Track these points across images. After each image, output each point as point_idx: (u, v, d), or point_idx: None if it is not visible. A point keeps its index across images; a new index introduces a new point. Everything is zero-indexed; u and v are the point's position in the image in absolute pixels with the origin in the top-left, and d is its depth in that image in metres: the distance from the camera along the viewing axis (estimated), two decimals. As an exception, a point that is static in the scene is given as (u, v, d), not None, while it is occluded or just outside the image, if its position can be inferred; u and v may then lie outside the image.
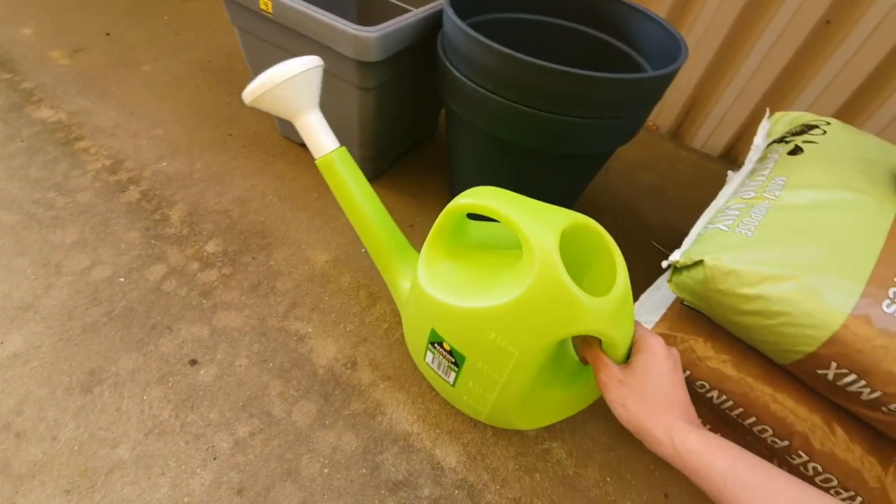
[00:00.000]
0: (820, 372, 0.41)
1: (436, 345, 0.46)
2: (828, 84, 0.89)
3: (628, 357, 0.40)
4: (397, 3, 0.80)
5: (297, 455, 0.51)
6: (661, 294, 0.54)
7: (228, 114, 0.90)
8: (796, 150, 0.55)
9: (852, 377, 0.39)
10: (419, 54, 0.66)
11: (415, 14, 0.63)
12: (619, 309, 0.39)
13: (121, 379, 0.55)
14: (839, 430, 0.43)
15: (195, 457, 0.50)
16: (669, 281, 0.47)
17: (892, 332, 0.38)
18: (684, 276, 0.45)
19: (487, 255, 0.45)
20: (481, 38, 0.52)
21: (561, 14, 0.73)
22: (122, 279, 0.63)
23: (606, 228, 0.41)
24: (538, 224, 0.38)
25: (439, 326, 0.44)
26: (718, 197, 0.54)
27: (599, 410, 0.60)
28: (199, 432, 0.51)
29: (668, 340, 0.49)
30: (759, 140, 0.64)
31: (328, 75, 0.65)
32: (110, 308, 0.60)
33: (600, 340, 0.40)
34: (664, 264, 0.47)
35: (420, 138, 0.89)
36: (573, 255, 0.42)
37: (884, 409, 0.39)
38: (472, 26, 0.69)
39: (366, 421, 0.54)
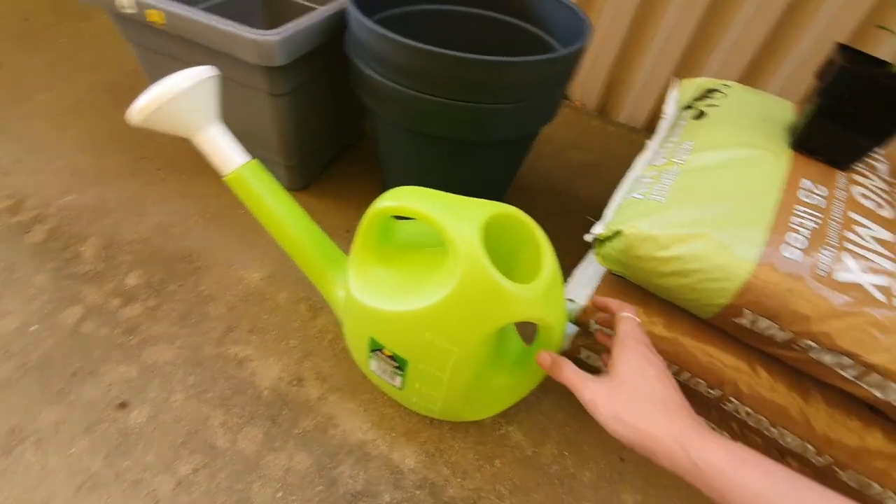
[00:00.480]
0: (737, 321, 0.43)
1: (377, 352, 0.45)
2: (730, 50, 0.94)
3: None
4: (305, 3, 0.77)
5: (247, 484, 0.49)
6: (593, 267, 0.55)
7: (140, 136, 0.85)
8: (700, 115, 0.58)
9: (766, 322, 0.41)
10: (334, 53, 0.64)
11: (320, 13, 0.61)
12: (549, 293, 0.39)
13: (43, 435, 0.50)
14: (763, 372, 0.46)
15: (135, 505, 0.46)
16: (596, 254, 0.49)
17: (793, 274, 0.40)
18: (607, 248, 0.47)
19: (417, 254, 0.45)
20: (386, 32, 0.51)
21: (471, 2, 0.73)
22: (33, 327, 0.58)
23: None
24: (459, 219, 0.38)
25: (377, 333, 0.44)
26: (636, 167, 0.56)
27: (551, 388, 0.61)
28: (137, 478, 0.48)
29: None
30: (670, 108, 0.66)
31: (236, 84, 0.62)
32: (24, 360, 0.55)
33: (566, 361, 0.38)
34: (587, 238, 0.48)
35: (349, 140, 0.87)
36: (500, 246, 0.42)
37: (795, 347, 0.41)
38: (382, 21, 0.68)
39: (318, 437, 0.53)
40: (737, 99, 0.60)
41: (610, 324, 0.41)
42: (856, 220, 0.44)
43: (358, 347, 0.48)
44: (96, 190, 0.75)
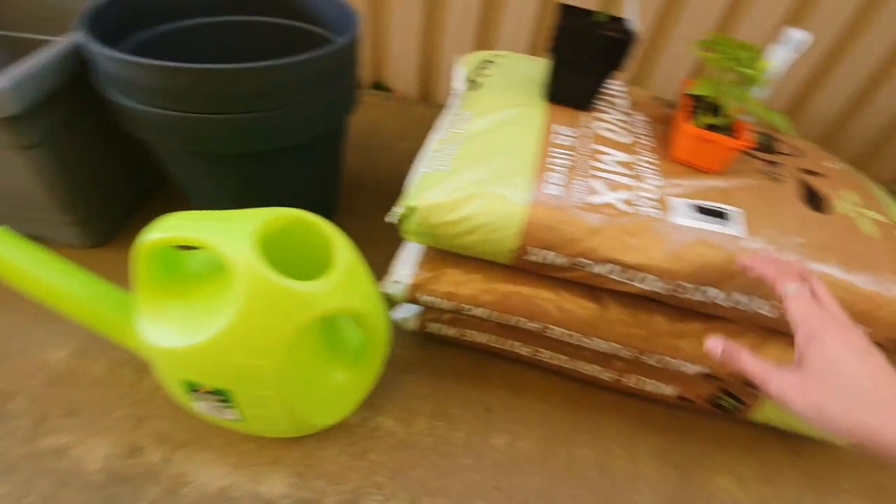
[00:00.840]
0: (529, 258, 0.48)
1: (196, 392, 0.42)
2: (517, 23, 1.03)
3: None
4: (44, 37, 0.68)
5: (90, 583, 0.43)
6: (413, 246, 0.58)
7: None
8: (476, 86, 0.63)
9: (549, 253, 0.47)
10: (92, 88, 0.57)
11: (55, 49, 0.54)
12: (348, 283, 0.40)
13: None
14: (566, 296, 0.52)
15: None
16: (401, 233, 0.51)
17: (557, 207, 0.46)
18: (408, 224, 0.49)
19: (209, 281, 0.43)
20: (130, 57, 0.48)
21: (241, 10, 0.70)
22: None
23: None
24: (229, 234, 0.37)
25: (186, 373, 0.41)
26: (428, 144, 0.59)
27: (413, 368, 0.63)
28: None
29: (426, 280, 0.53)
30: (457, 84, 0.71)
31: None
32: None
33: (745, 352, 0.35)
34: (389, 219, 0.50)
35: (156, 180, 0.79)
36: (293, 251, 0.42)
37: (575, 267, 0.48)
38: (144, 43, 0.63)
39: (169, 501, 0.48)
40: (507, 66, 0.67)
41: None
42: (600, 150, 0.52)
43: (177, 393, 0.44)
44: None
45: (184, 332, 0.39)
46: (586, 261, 0.46)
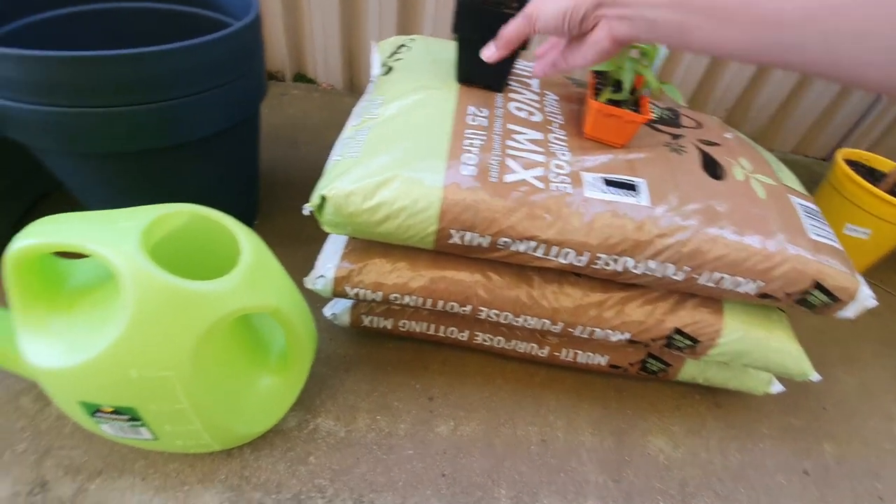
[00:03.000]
0: (452, 241, 0.48)
1: (98, 413, 0.39)
2: (440, 7, 1.02)
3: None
4: None
5: None
6: (337, 237, 0.56)
7: None
8: (389, 70, 0.62)
9: (469, 234, 0.47)
10: None
11: None
12: (254, 279, 0.38)
13: None
14: (493, 276, 0.53)
15: None
16: (320, 224, 0.49)
17: (473, 187, 0.46)
18: (325, 216, 0.47)
19: (100, 290, 0.39)
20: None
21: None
22: None
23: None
24: (111, 236, 0.34)
25: (82, 394, 0.37)
26: (343, 132, 0.57)
27: (350, 365, 0.62)
28: None
29: (352, 272, 0.52)
30: (374, 70, 0.70)
31: None
32: None
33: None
34: (304, 212, 0.48)
35: (46, 188, 0.72)
36: (193, 250, 0.39)
37: (498, 246, 0.48)
38: (13, 34, 0.56)
39: (85, 536, 0.44)
40: (419, 49, 0.66)
41: None
42: (513, 130, 0.53)
43: (79, 417, 0.40)
44: None
45: (71, 348, 0.35)
46: (507, 240, 0.47)
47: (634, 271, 0.48)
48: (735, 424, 0.65)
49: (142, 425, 0.40)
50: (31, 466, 0.48)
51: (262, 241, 0.42)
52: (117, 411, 0.38)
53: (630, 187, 0.49)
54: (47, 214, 0.39)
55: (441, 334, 0.61)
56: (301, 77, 1.15)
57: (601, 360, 0.61)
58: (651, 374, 0.62)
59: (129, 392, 0.36)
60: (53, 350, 0.36)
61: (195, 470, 0.50)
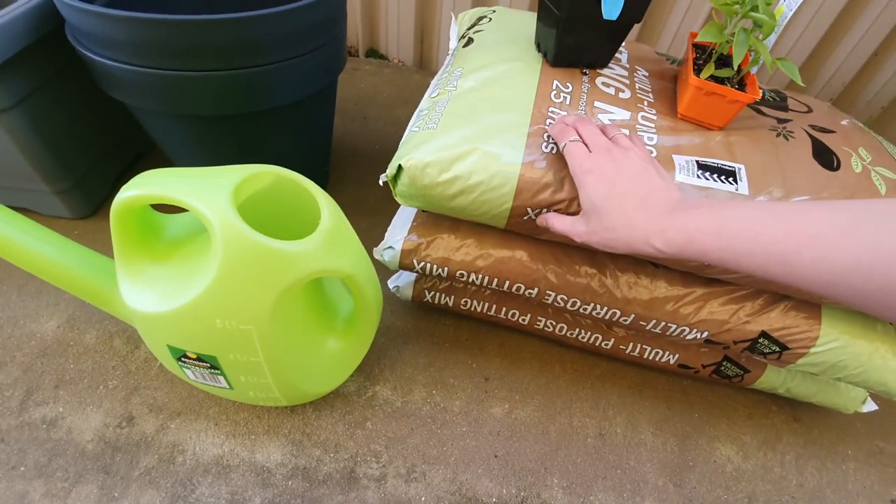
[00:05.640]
0: (525, 220, 0.46)
1: (183, 359, 0.41)
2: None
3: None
4: None
5: (85, 549, 0.43)
6: (406, 210, 0.56)
7: None
8: (469, 42, 0.60)
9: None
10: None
11: (27, 1, 0.51)
12: (333, 243, 0.39)
13: None
14: (564, 260, 0.51)
15: None
16: (394, 196, 0.49)
17: (552, 168, 0.44)
18: (400, 186, 0.47)
19: (191, 243, 0.41)
20: (101, 9, 0.45)
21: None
22: None
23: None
24: (207, 190, 0.35)
25: (171, 338, 0.40)
26: (420, 103, 0.57)
27: (409, 337, 0.62)
28: None
29: (420, 246, 0.52)
30: (452, 43, 0.68)
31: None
32: None
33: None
34: (381, 182, 0.48)
35: (143, 147, 0.77)
36: (278, 209, 0.40)
37: (574, 229, 0.46)
38: None
39: (164, 469, 0.48)
40: (500, 21, 0.63)
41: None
42: (599, 108, 0.49)
43: (166, 360, 0.43)
44: None
45: (165, 295, 0.37)
46: (585, 222, 0.44)
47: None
48: (815, 442, 0.59)
49: (220, 374, 0.42)
50: (121, 402, 0.52)
51: (339, 207, 0.42)
52: (200, 358, 0.40)
53: (728, 173, 0.45)
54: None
55: (501, 315, 0.60)
56: (373, 52, 1.16)
57: (670, 357, 0.58)
58: (724, 379, 0.58)
59: (213, 341, 0.38)
60: (149, 296, 0.38)
61: (262, 421, 0.53)
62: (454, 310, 0.61)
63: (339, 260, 0.39)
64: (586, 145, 0.40)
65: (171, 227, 0.42)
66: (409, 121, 0.53)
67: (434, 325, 0.64)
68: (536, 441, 0.55)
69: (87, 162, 0.65)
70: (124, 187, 0.37)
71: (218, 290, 0.35)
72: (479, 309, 0.59)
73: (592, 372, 0.62)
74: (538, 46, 0.56)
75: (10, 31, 0.49)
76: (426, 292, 0.60)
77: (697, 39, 0.49)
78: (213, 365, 0.41)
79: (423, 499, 0.49)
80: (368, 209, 0.75)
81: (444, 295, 0.59)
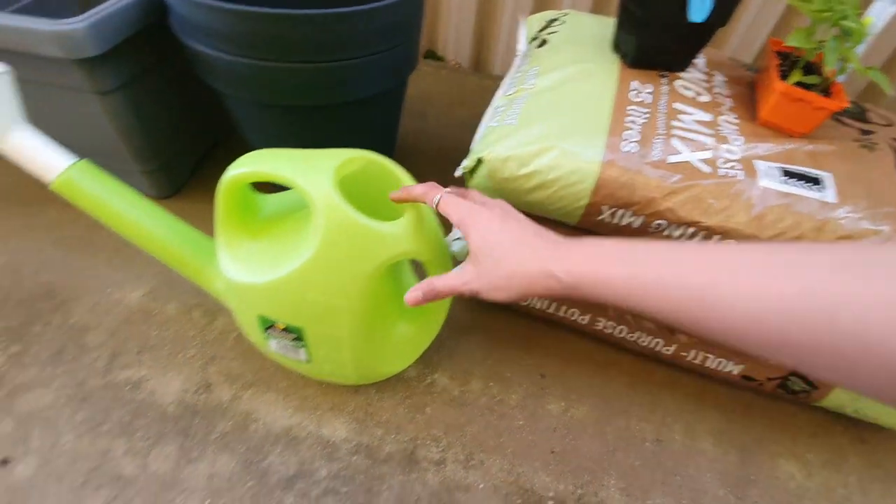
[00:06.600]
0: (600, 218, 0.47)
1: (271, 329, 0.44)
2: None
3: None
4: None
5: (167, 502, 0.46)
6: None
7: (-37, 176, 0.74)
8: (543, 43, 0.61)
9: (622, 212, 0.46)
10: (172, 36, 0.58)
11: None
12: (418, 227, 0.40)
13: None
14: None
15: (39, 562, 0.42)
16: (468, 186, 0.50)
17: (633, 165, 0.45)
18: (476, 178, 0.48)
19: (287, 221, 0.44)
20: (207, 1, 0.48)
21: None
22: None
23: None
24: (309, 170, 0.37)
25: (263, 309, 0.42)
26: (493, 101, 0.58)
27: (468, 330, 0.64)
28: (35, 534, 0.43)
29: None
30: (521, 45, 0.69)
31: (55, 89, 0.56)
32: None
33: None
34: (457, 173, 0.49)
35: (220, 134, 0.81)
36: (368, 193, 0.42)
37: (650, 229, 0.46)
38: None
39: (238, 435, 0.51)
40: (573, 24, 0.64)
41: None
42: (679, 110, 0.50)
43: (253, 332, 0.46)
44: (-84, 244, 0.64)
45: (263, 268, 0.40)
46: (663, 222, 0.45)
47: (806, 273, 0.44)
48: (882, 464, 0.57)
49: (302, 346, 0.44)
50: (198, 370, 0.55)
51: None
52: (288, 329, 0.42)
53: (813, 180, 0.44)
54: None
55: (560, 314, 0.60)
56: (430, 54, 1.18)
57: (734, 368, 0.57)
58: (789, 394, 0.57)
59: (303, 313, 0.40)
60: (247, 268, 0.41)
61: (327, 398, 0.55)
62: (513, 306, 0.62)
63: (423, 244, 0.40)
64: None
65: (265, 207, 0.45)
66: (466, 122, 0.54)
67: (490, 319, 0.65)
68: (593, 441, 0.55)
69: (174, 146, 0.70)
70: (233, 165, 0.39)
71: (316, 265, 0.37)
72: (538, 306, 0.60)
73: (651, 378, 0.62)
74: (617, 48, 0.56)
75: (119, 19, 0.53)
76: (487, 286, 0.61)
77: (786, 44, 0.49)
78: (298, 336, 0.43)
79: (480, 486, 0.50)
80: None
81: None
